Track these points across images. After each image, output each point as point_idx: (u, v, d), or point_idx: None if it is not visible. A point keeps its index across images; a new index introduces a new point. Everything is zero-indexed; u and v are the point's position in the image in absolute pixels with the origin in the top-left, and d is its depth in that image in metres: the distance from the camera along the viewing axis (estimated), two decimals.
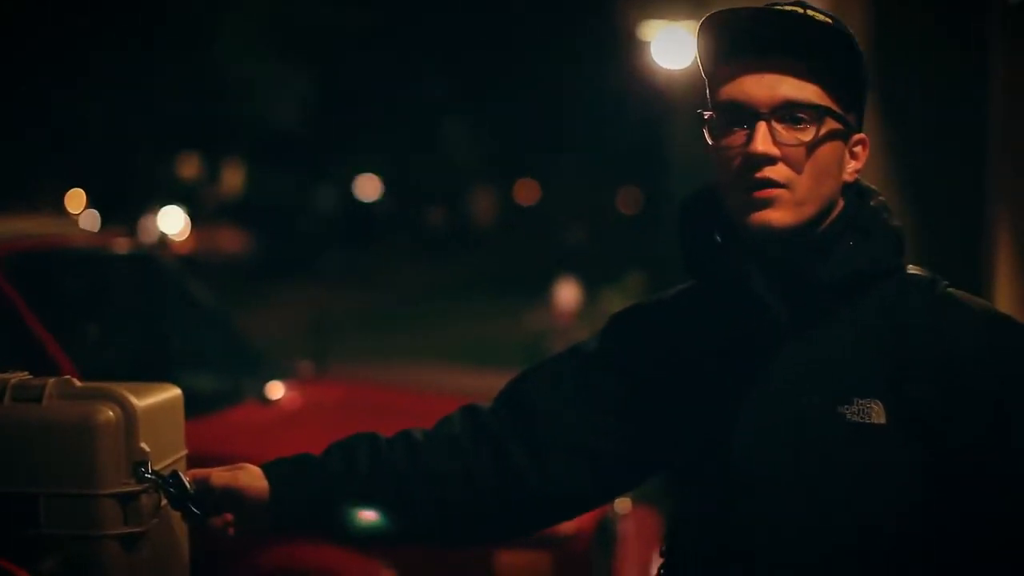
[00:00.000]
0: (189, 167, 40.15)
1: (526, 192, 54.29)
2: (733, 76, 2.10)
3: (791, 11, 2.07)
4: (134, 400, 2.17)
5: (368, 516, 2.28)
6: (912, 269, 2.15)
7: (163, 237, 32.65)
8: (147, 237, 30.97)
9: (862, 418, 2.02)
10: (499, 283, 29.21)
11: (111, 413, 2.14)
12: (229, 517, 2.23)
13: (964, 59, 6.70)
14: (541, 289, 17.42)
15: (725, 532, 2.11)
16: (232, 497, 2.22)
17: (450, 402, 2.44)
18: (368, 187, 46.76)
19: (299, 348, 9.21)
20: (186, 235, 33.03)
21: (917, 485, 2.01)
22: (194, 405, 5.00)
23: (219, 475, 2.24)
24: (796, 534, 2.04)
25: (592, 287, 17.41)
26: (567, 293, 16.08)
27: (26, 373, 2.27)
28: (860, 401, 2.03)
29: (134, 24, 28.86)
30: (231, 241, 32.77)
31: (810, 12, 2.07)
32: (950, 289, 2.11)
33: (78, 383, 2.22)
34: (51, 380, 2.19)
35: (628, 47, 16.31)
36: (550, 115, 41.07)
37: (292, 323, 17.58)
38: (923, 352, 2.03)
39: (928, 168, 7.03)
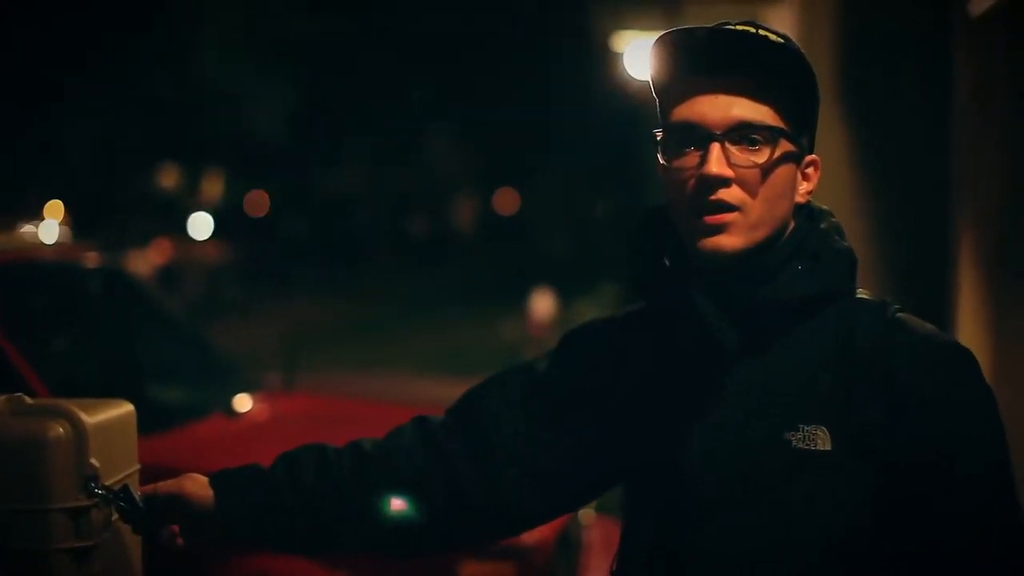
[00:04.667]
0: (169, 177, 40.09)
1: (505, 201, 54.32)
2: (686, 96, 2.08)
3: (745, 31, 2.05)
4: (84, 416, 2.20)
5: (399, 505, 2.30)
6: (862, 293, 2.13)
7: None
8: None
9: (807, 445, 2.01)
10: (476, 293, 29.23)
11: (61, 429, 2.17)
12: (176, 529, 2.27)
13: (930, 71, 6.75)
14: (517, 299, 17.46)
15: (671, 555, 2.11)
16: (178, 507, 2.25)
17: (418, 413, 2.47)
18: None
19: (273, 359, 9.22)
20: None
21: (863, 510, 2.00)
22: (160, 418, 5.10)
23: (165, 486, 2.26)
24: (742, 559, 2.04)
25: (568, 298, 17.47)
26: (543, 304, 16.12)
27: None
28: (806, 428, 2.02)
29: (116, 36, 28.84)
30: (210, 252, 32.67)
31: (763, 32, 2.06)
32: (900, 314, 2.09)
33: (29, 400, 2.25)
34: (2, 397, 2.22)
35: (603, 58, 16.38)
36: (530, 124, 41.11)
37: (268, 334, 17.59)
38: (870, 377, 2.01)
39: (893, 176, 7.07)
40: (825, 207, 2.20)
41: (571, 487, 2.35)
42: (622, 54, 12.02)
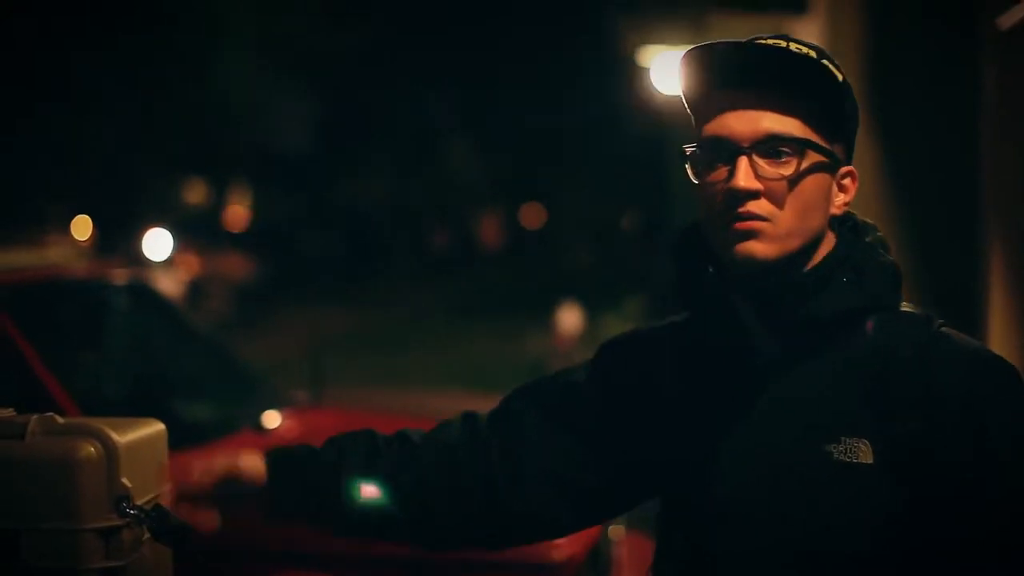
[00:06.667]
0: (195, 192, 40.16)
1: (532, 215, 54.34)
2: (715, 111, 2.09)
3: (770, 44, 2.06)
4: (115, 436, 2.20)
5: (371, 492, 2.32)
6: (907, 307, 2.13)
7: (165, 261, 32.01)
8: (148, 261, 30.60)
9: (849, 457, 2.01)
10: (502, 307, 29.20)
11: (92, 449, 2.17)
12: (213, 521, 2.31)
13: (956, 84, 6.73)
14: (544, 313, 17.44)
15: (707, 566, 2.11)
16: (232, 481, 2.30)
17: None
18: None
19: (299, 373, 9.23)
20: (171, 260, 32.26)
21: (901, 522, 2.00)
22: (190, 435, 5.10)
23: (221, 462, 2.33)
24: (777, 569, 2.05)
25: (594, 311, 17.45)
26: (569, 317, 16.11)
27: (11, 410, 2.31)
28: (847, 440, 2.02)
29: (138, 49, 28.95)
30: (236, 266, 32.66)
31: (792, 45, 2.07)
32: (944, 328, 2.09)
33: (60, 420, 2.25)
34: (34, 417, 2.23)
35: (629, 72, 16.37)
36: (556, 138, 41.13)
37: (294, 347, 17.61)
38: (912, 391, 2.01)
39: (921, 191, 7.05)
40: (871, 221, 2.20)
41: (603, 500, 2.37)
42: (648, 68, 12.01)
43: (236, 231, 38.52)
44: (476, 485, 2.31)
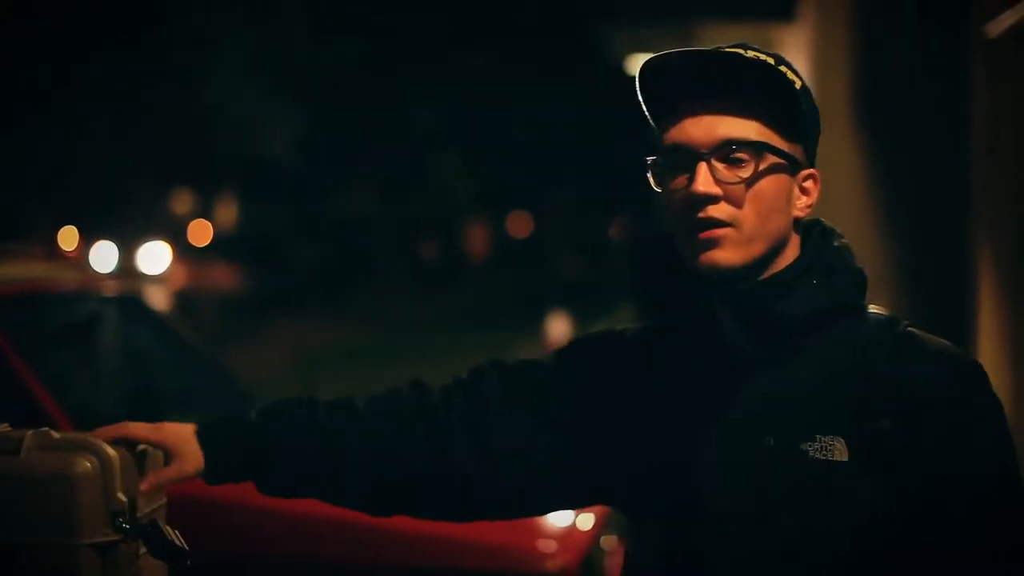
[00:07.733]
0: (182, 203, 40.10)
1: (518, 225, 54.36)
2: (674, 120, 2.12)
3: (722, 52, 2.10)
4: (111, 451, 2.20)
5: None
6: (873, 309, 2.17)
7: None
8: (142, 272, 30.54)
9: (825, 455, 2.04)
10: (490, 317, 29.22)
11: (88, 464, 2.16)
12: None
13: (946, 91, 6.76)
14: (532, 323, 17.45)
15: (685, 565, 2.12)
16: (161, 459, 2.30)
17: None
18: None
19: (289, 384, 9.22)
20: (171, 272, 32.24)
21: (880, 518, 2.04)
22: None
23: (144, 435, 2.31)
24: (756, 567, 2.07)
25: (583, 320, 17.44)
26: (558, 327, 16.12)
27: (6, 425, 2.30)
28: (822, 438, 2.05)
29: (125, 61, 28.92)
30: (223, 277, 32.62)
31: (750, 53, 2.10)
32: (910, 328, 2.14)
33: (56, 434, 2.24)
34: (29, 432, 2.22)
35: (617, 80, 16.40)
36: (542, 147, 41.18)
37: (283, 358, 17.60)
38: (884, 388, 2.05)
39: (911, 193, 7.07)
40: (836, 229, 2.23)
41: (570, 490, 2.35)
42: (635, 77, 12.00)
43: (199, 245, 38.22)
44: (423, 458, 2.30)
